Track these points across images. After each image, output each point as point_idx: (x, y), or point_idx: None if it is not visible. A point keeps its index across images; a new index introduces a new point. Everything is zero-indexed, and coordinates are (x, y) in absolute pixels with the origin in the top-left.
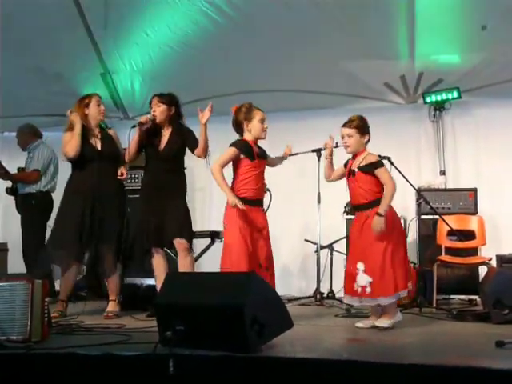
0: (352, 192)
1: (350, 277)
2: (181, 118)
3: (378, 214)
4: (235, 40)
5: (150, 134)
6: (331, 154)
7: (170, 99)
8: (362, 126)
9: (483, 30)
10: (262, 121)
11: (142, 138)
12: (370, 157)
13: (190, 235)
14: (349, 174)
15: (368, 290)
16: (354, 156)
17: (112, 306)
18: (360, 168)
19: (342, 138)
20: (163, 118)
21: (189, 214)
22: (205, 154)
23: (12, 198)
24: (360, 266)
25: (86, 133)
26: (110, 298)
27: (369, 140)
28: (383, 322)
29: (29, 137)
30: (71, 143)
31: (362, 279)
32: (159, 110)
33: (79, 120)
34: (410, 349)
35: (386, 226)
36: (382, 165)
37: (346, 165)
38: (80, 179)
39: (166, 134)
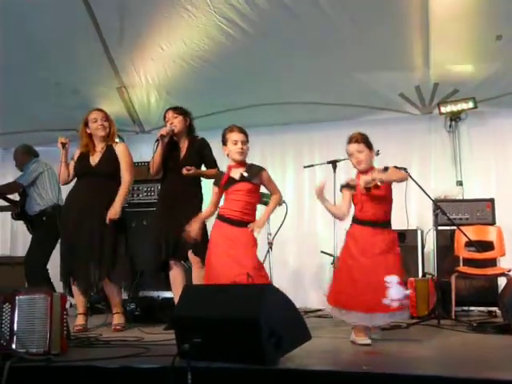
0: (369, 209)
1: (375, 291)
2: (194, 131)
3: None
4: (249, 53)
5: (168, 146)
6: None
7: (184, 111)
8: (368, 141)
9: (498, 40)
10: (235, 142)
11: (165, 150)
12: (380, 169)
13: (204, 247)
14: (367, 189)
15: (406, 302)
16: (362, 172)
17: (118, 319)
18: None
19: (351, 155)
20: (181, 128)
21: (205, 226)
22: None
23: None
24: (391, 278)
25: (89, 149)
26: (114, 311)
27: (374, 155)
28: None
29: (24, 157)
30: (61, 173)
31: (398, 292)
32: (177, 121)
33: (66, 149)
34: (429, 361)
35: (398, 249)
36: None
37: (346, 186)
38: (72, 194)
39: (184, 146)
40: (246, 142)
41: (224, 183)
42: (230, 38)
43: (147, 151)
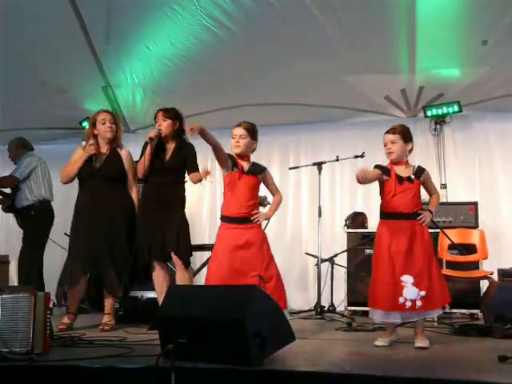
0: (401, 199)
1: (394, 290)
2: (183, 133)
3: (430, 211)
4: (236, 54)
5: (155, 148)
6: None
7: (174, 114)
8: (405, 133)
9: (484, 45)
10: (234, 136)
11: (153, 152)
12: (415, 166)
13: (187, 250)
14: (399, 180)
15: (418, 303)
16: (395, 163)
17: (107, 319)
18: (416, 175)
19: (385, 145)
20: (168, 132)
21: (187, 228)
22: (196, 183)
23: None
24: (407, 278)
25: (96, 151)
26: (106, 311)
27: (412, 149)
28: (424, 342)
29: (19, 150)
30: (67, 170)
31: (412, 292)
32: (165, 125)
33: (86, 151)
34: (412, 363)
35: (428, 239)
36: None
37: (383, 169)
38: (81, 197)
39: (170, 147)
40: (245, 136)
41: (240, 170)
42: (216, 38)
43: (133, 151)
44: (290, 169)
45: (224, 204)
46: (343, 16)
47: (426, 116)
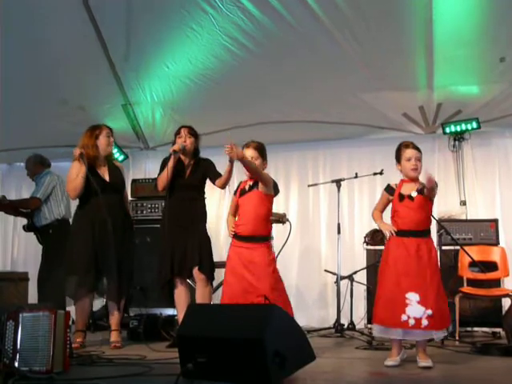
0: (403, 217)
1: (396, 307)
2: (198, 153)
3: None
4: (254, 72)
5: (165, 164)
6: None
7: (196, 133)
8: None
9: (502, 62)
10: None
11: (176, 166)
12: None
13: (210, 266)
14: (401, 197)
15: (425, 322)
16: (406, 181)
17: (115, 336)
18: (419, 191)
19: (409, 160)
20: (191, 148)
21: (209, 244)
22: (224, 186)
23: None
24: (413, 296)
25: (94, 164)
26: (113, 328)
27: None
28: (428, 361)
29: (37, 167)
30: (75, 184)
31: (417, 311)
32: (190, 141)
33: (85, 161)
34: (434, 383)
35: (435, 258)
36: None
37: (388, 190)
38: (88, 210)
39: (189, 164)
40: (257, 157)
41: (238, 192)
42: (235, 56)
43: (152, 167)
44: (308, 186)
45: (235, 223)
46: (361, 34)
47: (444, 133)
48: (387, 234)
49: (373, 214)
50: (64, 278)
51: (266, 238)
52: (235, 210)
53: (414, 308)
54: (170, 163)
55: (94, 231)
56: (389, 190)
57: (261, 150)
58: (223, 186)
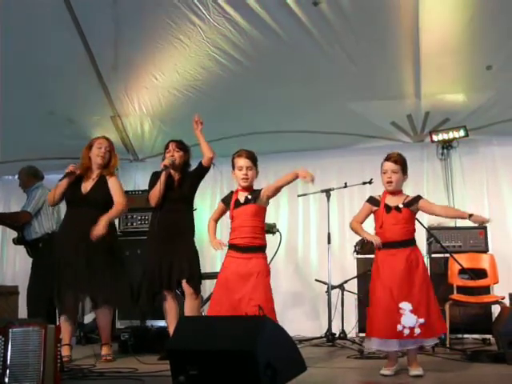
0: (390, 228)
1: (392, 318)
2: (189, 167)
3: (470, 215)
4: (243, 83)
5: (154, 180)
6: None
7: (185, 147)
8: (404, 165)
9: (488, 70)
10: (240, 168)
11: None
12: (411, 197)
13: (198, 278)
14: (387, 209)
15: (417, 331)
16: (389, 193)
17: (107, 349)
18: (406, 204)
19: (385, 172)
20: (180, 162)
21: (197, 256)
22: (211, 157)
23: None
24: (406, 305)
25: (86, 174)
26: (104, 342)
27: (405, 180)
28: (419, 370)
29: (29, 178)
30: (55, 192)
31: (410, 320)
32: (178, 155)
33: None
34: None
35: (423, 266)
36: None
37: (371, 201)
38: (66, 223)
39: (178, 177)
40: (251, 167)
41: (233, 204)
42: (223, 67)
43: (141, 179)
44: (298, 196)
45: (230, 237)
46: (349, 45)
47: (432, 141)
48: (376, 244)
49: (352, 226)
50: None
51: (263, 248)
52: (219, 217)
53: (408, 317)
54: (162, 178)
55: (70, 246)
56: (372, 201)
57: (254, 158)
58: (210, 160)
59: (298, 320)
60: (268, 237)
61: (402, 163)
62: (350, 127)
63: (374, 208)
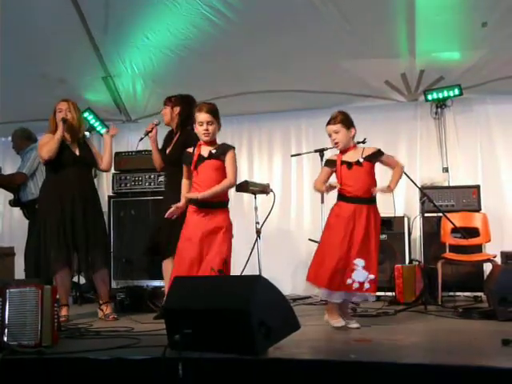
0: (351, 183)
1: (343, 271)
2: (186, 122)
3: (389, 187)
4: (235, 42)
5: (165, 139)
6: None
7: (176, 100)
8: (346, 120)
9: (483, 27)
10: (201, 123)
11: (157, 144)
12: (368, 149)
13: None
14: (348, 165)
15: (367, 286)
16: (344, 151)
17: (110, 308)
18: (366, 158)
19: (330, 136)
20: (167, 120)
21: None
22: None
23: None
24: (359, 262)
25: (70, 137)
26: (105, 301)
27: (355, 134)
28: (356, 322)
29: (22, 141)
30: (49, 145)
31: (361, 275)
32: (164, 112)
33: (62, 126)
34: (417, 348)
35: (379, 225)
36: (383, 152)
37: (328, 164)
38: (58, 183)
39: (175, 137)
40: (212, 121)
41: (195, 161)
42: (215, 26)
43: (134, 140)
44: (291, 156)
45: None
46: (342, 2)
47: (426, 100)
48: (334, 184)
49: (316, 187)
50: (38, 253)
51: (226, 204)
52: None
53: (359, 273)
54: (152, 145)
55: (62, 205)
56: (329, 163)
57: (215, 112)
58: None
59: (292, 279)
60: (261, 197)
61: (341, 120)
62: (344, 86)
63: (333, 169)
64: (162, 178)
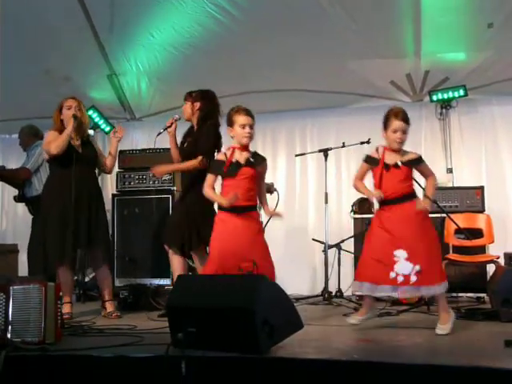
0: (389, 185)
1: (385, 265)
2: (206, 117)
3: (427, 196)
4: (240, 40)
5: (185, 135)
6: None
7: (196, 95)
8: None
9: (489, 28)
10: (243, 126)
11: (175, 140)
12: (410, 154)
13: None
14: (387, 167)
15: (414, 278)
16: (387, 149)
17: (113, 306)
18: (405, 163)
19: (395, 132)
20: (187, 116)
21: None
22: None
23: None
24: (400, 253)
25: (76, 134)
26: (108, 298)
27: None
28: (443, 329)
29: (29, 138)
30: (58, 141)
31: (405, 267)
32: (184, 108)
33: (73, 123)
34: (419, 349)
35: (426, 218)
36: (423, 160)
37: (369, 161)
38: (61, 180)
39: (195, 131)
40: (253, 125)
41: (227, 167)
42: (220, 24)
43: (139, 138)
44: (296, 155)
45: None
46: (349, 2)
47: (431, 100)
48: (377, 198)
49: (355, 184)
50: (41, 250)
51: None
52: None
53: (402, 265)
54: (170, 141)
55: (65, 201)
56: (370, 160)
57: (253, 117)
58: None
59: (296, 279)
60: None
61: (409, 124)
62: (349, 86)
63: (372, 166)
64: (166, 177)
